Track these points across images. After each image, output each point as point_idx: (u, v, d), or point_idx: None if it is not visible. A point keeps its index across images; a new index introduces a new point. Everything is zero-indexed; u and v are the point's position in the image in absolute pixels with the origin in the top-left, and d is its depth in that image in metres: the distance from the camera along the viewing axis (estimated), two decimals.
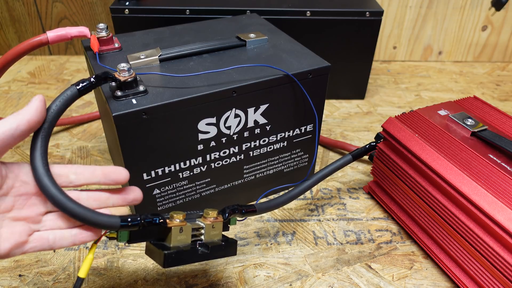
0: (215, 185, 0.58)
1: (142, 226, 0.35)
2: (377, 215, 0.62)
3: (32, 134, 0.34)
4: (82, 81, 0.38)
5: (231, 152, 0.55)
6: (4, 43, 1.10)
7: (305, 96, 0.56)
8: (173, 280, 0.52)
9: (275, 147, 0.59)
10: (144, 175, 0.50)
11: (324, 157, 0.75)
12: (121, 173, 0.36)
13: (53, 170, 0.34)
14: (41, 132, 0.34)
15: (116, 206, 0.37)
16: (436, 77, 1.05)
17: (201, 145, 0.52)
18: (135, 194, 0.37)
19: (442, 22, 1.07)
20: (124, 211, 0.37)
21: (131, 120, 0.45)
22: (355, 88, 0.91)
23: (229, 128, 0.53)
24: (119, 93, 0.46)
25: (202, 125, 0.50)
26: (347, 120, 0.86)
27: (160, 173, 0.51)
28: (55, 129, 0.81)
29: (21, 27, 1.08)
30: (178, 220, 0.38)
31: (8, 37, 1.09)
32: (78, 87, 0.37)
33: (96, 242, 0.36)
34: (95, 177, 0.35)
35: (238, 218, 0.49)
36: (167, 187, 0.54)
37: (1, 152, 0.30)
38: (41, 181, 0.32)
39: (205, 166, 0.55)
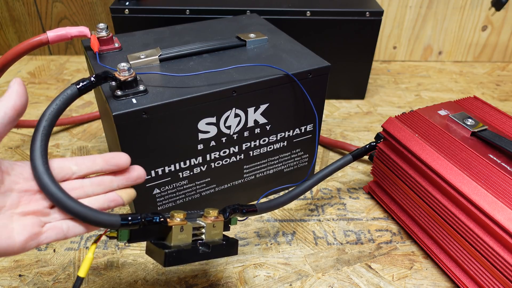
0: (215, 185, 0.58)
1: (142, 225, 0.35)
2: (377, 215, 0.62)
3: (32, 134, 0.34)
4: (82, 80, 0.38)
5: (231, 152, 0.55)
6: (4, 43, 1.10)
7: (305, 96, 0.56)
8: (173, 280, 0.52)
9: (275, 147, 0.59)
10: None
11: (324, 157, 0.75)
12: (122, 157, 0.36)
13: (54, 164, 0.34)
14: (41, 131, 0.34)
15: (121, 187, 0.37)
16: (436, 77, 1.05)
17: (201, 145, 0.52)
18: (138, 172, 0.37)
19: (442, 22, 1.07)
20: (132, 192, 0.37)
21: (131, 120, 0.45)
22: (355, 88, 0.91)
23: (229, 127, 0.53)
24: (119, 93, 0.46)
25: (202, 125, 0.50)
26: (347, 120, 0.86)
27: (160, 172, 0.51)
28: (55, 129, 0.81)
29: (21, 27, 1.08)
30: (178, 219, 0.38)
31: (8, 37, 1.09)
32: (78, 86, 0.37)
33: (96, 241, 0.36)
34: (97, 164, 0.35)
35: (239, 218, 0.49)
36: (167, 187, 0.54)
37: None
38: (41, 180, 0.32)
39: (205, 166, 0.55)
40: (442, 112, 0.59)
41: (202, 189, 0.57)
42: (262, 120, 0.55)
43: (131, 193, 0.37)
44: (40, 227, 0.32)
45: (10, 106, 0.31)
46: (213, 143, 0.53)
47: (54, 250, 0.55)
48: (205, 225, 0.41)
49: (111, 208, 0.36)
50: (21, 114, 0.32)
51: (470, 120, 0.55)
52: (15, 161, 0.33)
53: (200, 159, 0.53)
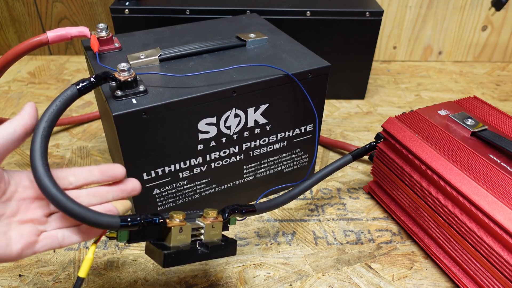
0: (215, 185, 0.58)
1: (142, 226, 0.35)
2: (377, 215, 0.62)
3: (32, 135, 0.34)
4: (82, 81, 0.38)
5: (231, 152, 0.55)
6: (4, 43, 1.10)
7: (305, 96, 0.56)
8: (173, 280, 0.52)
9: (275, 147, 0.59)
10: (144, 175, 0.50)
11: (324, 157, 0.75)
12: (117, 169, 0.37)
13: (52, 174, 0.34)
14: (41, 132, 0.34)
15: (116, 199, 0.37)
16: (436, 77, 1.05)
17: (201, 145, 0.52)
18: (133, 184, 0.38)
19: (442, 22, 1.07)
20: (127, 203, 0.38)
21: (131, 120, 0.45)
22: (355, 88, 0.91)
23: (229, 128, 0.53)
24: (119, 93, 0.46)
25: (202, 125, 0.50)
26: (347, 120, 0.86)
27: (160, 173, 0.51)
28: (55, 129, 0.81)
29: (21, 27, 1.08)
30: (178, 220, 0.38)
31: (8, 37, 1.09)
32: (78, 87, 0.37)
33: (96, 242, 0.36)
34: (93, 175, 0.36)
35: (238, 218, 0.49)
36: (167, 187, 0.54)
37: (1, 157, 0.32)
38: (41, 181, 0.32)
39: (205, 166, 0.55)
40: (442, 112, 0.59)
41: (202, 189, 0.57)
42: (262, 120, 0.55)
43: (126, 204, 0.38)
44: (36, 236, 0.33)
45: (21, 124, 0.33)
46: (213, 143, 0.53)
47: (54, 250, 0.55)
48: (204, 225, 0.41)
49: None
50: (30, 134, 0.34)
51: (470, 120, 0.55)
52: (14, 170, 0.34)
53: (200, 159, 0.53)
